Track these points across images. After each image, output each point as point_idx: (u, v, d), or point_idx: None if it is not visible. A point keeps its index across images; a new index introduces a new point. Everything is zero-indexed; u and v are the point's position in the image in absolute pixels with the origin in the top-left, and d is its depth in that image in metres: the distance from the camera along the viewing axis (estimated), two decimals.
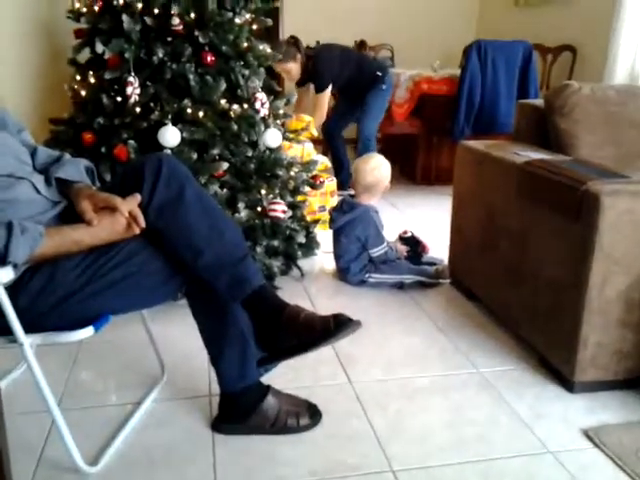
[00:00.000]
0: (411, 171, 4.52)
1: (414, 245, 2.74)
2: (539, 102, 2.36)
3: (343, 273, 2.63)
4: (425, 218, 3.55)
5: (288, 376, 1.80)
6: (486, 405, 1.75)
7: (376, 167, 2.63)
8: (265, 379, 1.60)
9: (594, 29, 4.20)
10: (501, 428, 1.64)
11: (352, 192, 2.75)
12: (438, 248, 2.76)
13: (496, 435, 1.61)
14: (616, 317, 1.71)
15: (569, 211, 1.71)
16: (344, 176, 4.01)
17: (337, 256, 2.66)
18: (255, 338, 1.41)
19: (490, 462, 1.51)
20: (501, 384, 1.85)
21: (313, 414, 1.64)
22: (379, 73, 3.83)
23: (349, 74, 3.82)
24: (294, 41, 3.69)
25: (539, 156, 2.03)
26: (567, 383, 1.81)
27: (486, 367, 1.95)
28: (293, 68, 3.72)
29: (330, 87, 3.77)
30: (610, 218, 1.62)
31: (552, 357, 1.87)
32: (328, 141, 4.23)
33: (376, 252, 2.57)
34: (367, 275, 2.57)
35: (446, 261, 2.65)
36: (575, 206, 1.68)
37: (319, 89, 3.77)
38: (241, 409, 1.58)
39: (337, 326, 1.33)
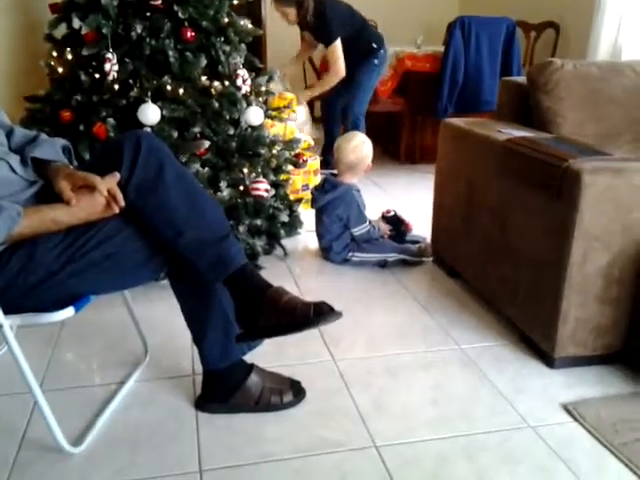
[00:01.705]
0: (395, 150, 4.50)
1: (397, 224, 2.74)
2: (522, 79, 2.36)
3: (326, 252, 2.63)
4: (409, 197, 3.55)
5: (272, 354, 1.80)
6: (467, 381, 1.77)
7: (357, 145, 2.62)
8: (248, 357, 1.60)
9: (577, 5, 4.19)
10: (482, 404, 1.66)
11: (334, 171, 2.73)
12: (421, 226, 2.77)
13: (477, 410, 1.63)
14: (595, 293, 1.73)
15: (550, 189, 1.72)
16: (330, 155, 3.97)
17: (319, 235, 2.66)
18: (235, 316, 1.41)
19: (471, 437, 1.53)
20: (482, 360, 1.87)
21: (297, 392, 1.65)
22: (374, 45, 3.74)
23: (349, 34, 3.67)
24: None
25: (521, 134, 2.03)
26: (547, 359, 1.84)
27: (468, 344, 1.97)
28: (292, 12, 3.58)
29: (339, 40, 3.59)
30: (591, 196, 1.63)
31: (532, 333, 1.90)
32: (326, 118, 4.13)
33: (358, 231, 2.57)
34: (350, 254, 2.57)
35: (429, 239, 2.65)
36: (556, 184, 1.69)
37: (329, 41, 3.61)
38: (225, 387, 1.59)
39: (317, 315, 1.32)
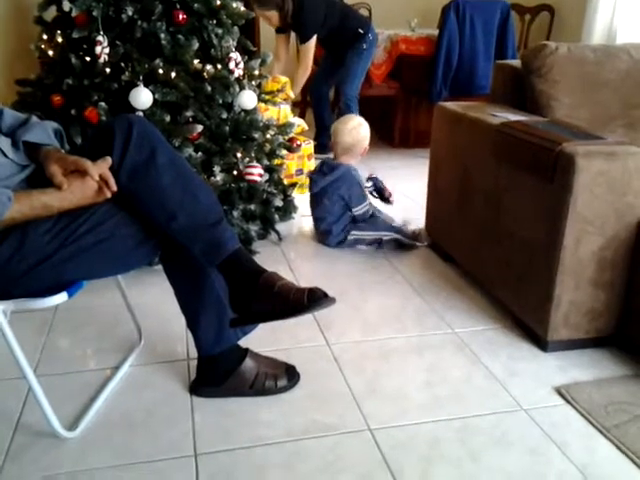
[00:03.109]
0: (389, 134, 4.49)
1: (379, 190, 2.76)
2: (516, 63, 2.35)
3: (325, 235, 2.63)
4: (403, 181, 3.54)
5: (266, 338, 1.80)
6: (461, 365, 1.78)
7: (354, 127, 2.62)
8: (243, 342, 1.60)
9: None
10: (475, 387, 1.68)
11: (330, 155, 2.73)
12: (415, 210, 2.77)
13: (471, 394, 1.64)
14: (588, 277, 1.74)
15: (544, 172, 1.71)
16: (324, 139, 3.96)
17: (318, 219, 2.65)
18: (228, 300, 1.41)
19: (465, 420, 1.54)
20: (476, 344, 1.88)
21: (291, 376, 1.66)
22: (360, 30, 3.72)
23: (331, 26, 3.67)
24: None
25: (515, 117, 2.03)
26: (540, 342, 1.85)
27: (461, 327, 1.98)
28: (274, 16, 3.57)
29: (314, 38, 3.63)
30: (584, 179, 1.63)
31: (526, 317, 1.91)
32: (315, 102, 4.11)
33: (359, 210, 2.57)
34: (346, 233, 2.57)
35: (423, 224, 2.65)
36: (550, 167, 1.68)
37: (304, 39, 3.63)
38: (219, 372, 1.59)
39: (310, 301, 1.32)
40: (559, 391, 1.65)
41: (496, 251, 2.03)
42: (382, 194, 2.78)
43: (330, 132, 2.70)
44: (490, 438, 1.47)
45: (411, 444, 1.45)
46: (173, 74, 2.13)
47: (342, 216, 2.58)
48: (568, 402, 1.60)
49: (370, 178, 2.78)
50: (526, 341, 1.89)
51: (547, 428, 1.51)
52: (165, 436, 1.46)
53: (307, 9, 3.57)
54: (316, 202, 2.65)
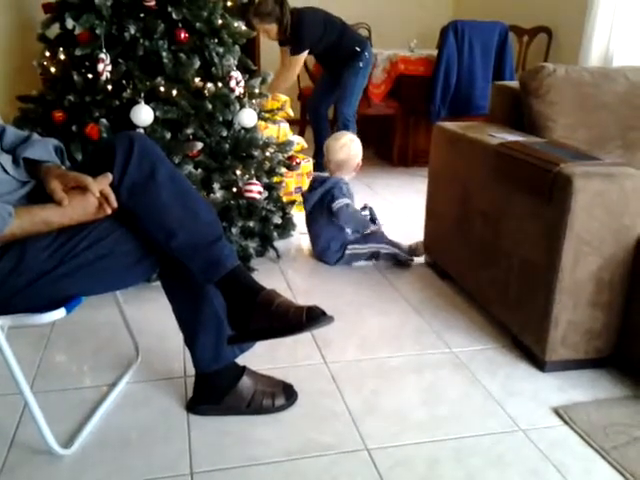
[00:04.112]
0: (388, 153, 4.51)
1: (372, 220, 2.77)
2: (514, 84, 2.37)
3: (322, 253, 2.63)
4: (401, 200, 3.55)
5: (264, 357, 1.80)
6: (459, 384, 1.77)
7: (346, 144, 2.65)
8: (240, 360, 1.60)
9: (569, 11, 4.21)
10: (473, 407, 1.67)
11: (326, 174, 2.74)
12: (414, 230, 2.77)
13: (469, 413, 1.64)
14: (587, 297, 1.74)
15: (542, 193, 1.72)
16: (323, 157, 3.97)
17: (315, 236, 2.65)
18: (227, 318, 1.41)
19: (462, 440, 1.53)
20: (474, 363, 1.88)
21: (289, 394, 1.65)
22: (357, 48, 3.74)
23: (328, 42, 3.70)
24: (280, 1, 3.54)
25: (513, 138, 2.04)
26: (538, 362, 1.84)
27: (459, 347, 1.97)
28: (273, 29, 3.60)
29: (306, 52, 3.66)
30: (582, 200, 1.63)
31: (524, 337, 1.90)
32: (313, 120, 4.13)
33: (338, 204, 2.54)
34: (343, 249, 2.58)
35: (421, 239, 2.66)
36: (548, 188, 1.69)
37: (295, 52, 3.66)
38: (216, 390, 1.58)
39: (309, 319, 1.32)
40: (557, 412, 1.64)
41: (494, 270, 2.03)
42: (374, 223, 2.78)
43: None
44: (488, 459, 1.46)
45: (409, 464, 1.44)
46: (174, 92, 2.15)
47: (339, 232, 2.58)
48: (566, 423, 1.59)
49: (365, 207, 2.79)
50: (524, 361, 1.89)
51: (545, 449, 1.50)
52: (161, 454, 1.45)
53: (306, 24, 3.60)
54: (311, 219, 2.66)
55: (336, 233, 2.58)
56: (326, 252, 2.61)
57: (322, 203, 2.59)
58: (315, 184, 2.64)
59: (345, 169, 2.66)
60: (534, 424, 1.60)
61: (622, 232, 1.69)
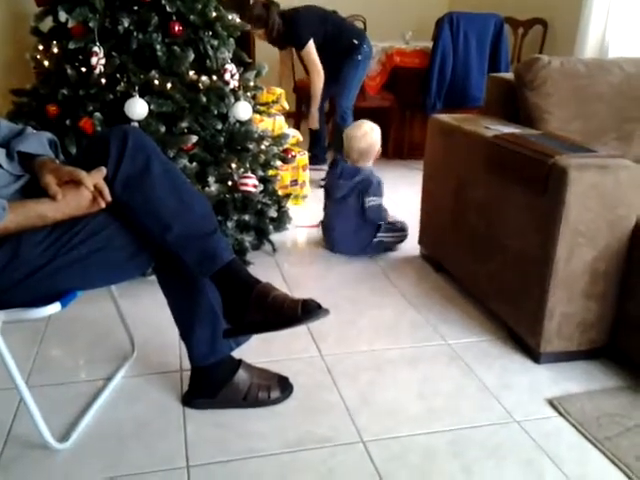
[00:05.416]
0: (383, 145, 4.44)
1: None
2: (509, 76, 2.37)
3: (341, 243, 2.64)
4: (396, 192, 3.55)
5: (259, 350, 1.80)
6: (454, 376, 1.78)
7: (368, 132, 2.66)
8: (236, 353, 1.60)
9: (565, 2, 4.20)
10: (469, 398, 1.68)
11: (325, 167, 2.74)
12: (409, 222, 2.77)
13: (464, 405, 1.64)
14: (581, 289, 1.75)
15: (537, 184, 1.73)
16: (318, 150, 3.98)
17: (335, 224, 2.65)
18: (222, 311, 1.41)
19: (458, 431, 1.54)
20: (469, 356, 1.88)
21: (284, 387, 1.65)
22: (355, 41, 3.74)
23: (326, 33, 3.70)
24: (267, 5, 3.56)
25: (508, 130, 2.04)
26: (533, 354, 1.85)
27: (455, 339, 1.98)
28: (263, 33, 3.63)
29: (312, 41, 3.63)
30: (577, 192, 1.64)
31: (519, 329, 1.91)
32: None
33: (372, 202, 2.59)
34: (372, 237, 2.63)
35: (416, 235, 2.66)
36: (542, 180, 1.70)
37: (300, 45, 3.65)
38: (212, 383, 1.58)
39: (304, 312, 1.32)
40: (552, 403, 1.65)
41: (489, 263, 2.04)
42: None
43: (324, 143, 2.72)
44: (483, 450, 1.47)
45: (404, 456, 1.45)
46: (169, 85, 2.14)
47: (364, 224, 2.61)
48: (561, 414, 1.60)
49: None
50: (519, 353, 1.90)
51: (540, 440, 1.51)
52: (157, 448, 1.45)
53: (301, 21, 3.62)
54: (336, 210, 2.65)
55: (362, 224, 2.60)
56: (346, 242, 2.62)
57: (352, 195, 2.59)
58: (344, 174, 2.62)
59: (367, 157, 2.67)
60: (529, 415, 1.61)
61: (617, 223, 1.70)
